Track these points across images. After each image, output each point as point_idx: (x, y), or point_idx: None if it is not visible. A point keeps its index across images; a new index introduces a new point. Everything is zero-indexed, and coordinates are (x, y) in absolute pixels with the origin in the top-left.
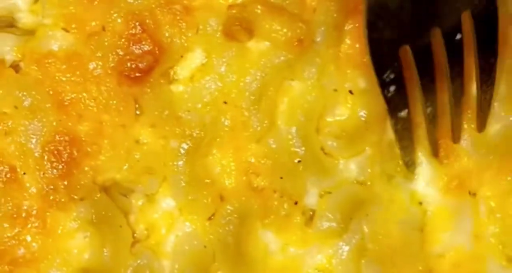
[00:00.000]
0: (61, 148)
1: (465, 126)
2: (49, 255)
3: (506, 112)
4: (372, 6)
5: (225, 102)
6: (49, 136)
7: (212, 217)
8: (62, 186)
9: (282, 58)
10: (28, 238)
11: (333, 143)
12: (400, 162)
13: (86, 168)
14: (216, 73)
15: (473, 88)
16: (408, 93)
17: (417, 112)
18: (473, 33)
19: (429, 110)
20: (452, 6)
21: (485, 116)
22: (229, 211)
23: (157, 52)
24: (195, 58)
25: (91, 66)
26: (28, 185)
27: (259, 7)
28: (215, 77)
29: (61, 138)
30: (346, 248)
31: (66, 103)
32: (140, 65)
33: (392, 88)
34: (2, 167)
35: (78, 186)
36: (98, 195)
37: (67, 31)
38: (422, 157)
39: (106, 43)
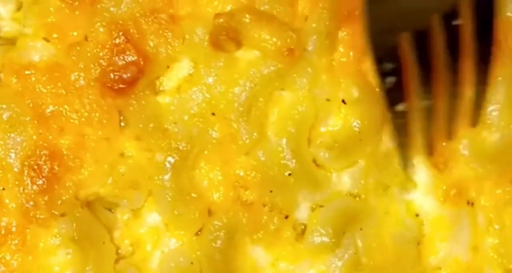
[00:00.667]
0: (41, 162)
1: (463, 132)
2: None
3: (505, 121)
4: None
5: (213, 114)
6: (29, 150)
7: (199, 233)
8: (43, 202)
9: (272, 68)
10: (8, 256)
11: (325, 154)
12: (397, 169)
13: (68, 183)
14: (204, 84)
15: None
16: (404, 84)
17: (413, 106)
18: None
19: (426, 103)
20: None
21: (479, 111)
22: (217, 226)
23: (141, 62)
24: (182, 68)
25: (73, 77)
26: (7, 201)
27: (247, 16)
28: (202, 88)
29: (42, 152)
30: (339, 263)
31: (47, 116)
32: (124, 76)
33: (391, 80)
34: None
35: (60, 202)
36: (80, 211)
37: (48, 41)
38: (419, 164)
39: (89, 54)
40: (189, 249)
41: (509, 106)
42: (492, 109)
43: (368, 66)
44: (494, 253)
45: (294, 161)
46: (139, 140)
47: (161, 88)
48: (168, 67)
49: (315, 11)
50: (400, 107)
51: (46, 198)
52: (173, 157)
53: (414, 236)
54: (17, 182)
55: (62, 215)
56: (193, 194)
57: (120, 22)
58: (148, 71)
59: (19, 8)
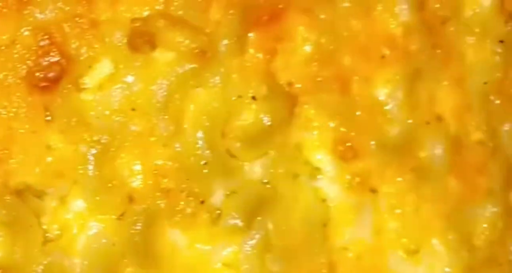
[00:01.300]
0: None
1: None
2: None
3: (404, 116)
4: None
5: (133, 109)
6: None
7: (121, 217)
8: None
9: (187, 67)
10: None
11: (238, 145)
12: (306, 159)
13: None
14: (124, 82)
15: None
16: None
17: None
18: None
19: None
20: None
21: None
22: (137, 211)
23: (65, 63)
24: (103, 68)
25: (1, 76)
26: None
27: (161, 20)
28: (123, 86)
29: None
30: (251, 243)
31: None
32: (48, 75)
33: None
34: None
35: None
36: (10, 198)
37: None
38: (326, 155)
39: (16, 55)
40: (111, 232)
41: (407, 103)
42: (393, 106)
43: (276, 66)
44: (396, 235)
45: (208, 151)
46: (63, 133)
47: (84, 86)
48: (90, 67)
49: (226, 17)
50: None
51: None
52: (96, 149)
53: (320, 218)
54: None
55: None
56: (114, 182)
57: (45, 26)
58: (71, 71)
59: None
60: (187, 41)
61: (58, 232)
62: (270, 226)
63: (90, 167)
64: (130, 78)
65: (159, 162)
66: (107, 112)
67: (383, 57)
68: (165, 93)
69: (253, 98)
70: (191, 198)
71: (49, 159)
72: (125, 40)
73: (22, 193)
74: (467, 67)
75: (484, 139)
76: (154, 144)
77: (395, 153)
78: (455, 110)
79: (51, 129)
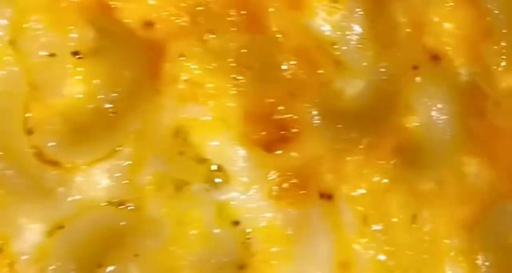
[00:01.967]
0: None
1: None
2: None
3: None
4: None
5: None
6: None
7: None
8: None
9: None
10: None
11: (54, 143)
12: (199, 154)
13: None
14: None
15: None
16: None
17: None
18: None
19: None
20: None
21: None
22: None
23: None
24: None
25: None
26: None
27: None
28: None
29: None
30: None
31: None
32: None
33: None
34: None
35: None
36: None
37: None
38: (234, 145)
39: None
40: None
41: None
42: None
43: None
44: (377, 268)
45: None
46: None
47: None
48: None
49: None
50: None
51: None
52: None
53: (233, 255)
54: None
55: None
56: None
57: None
58: None
59: None
60: None
61: None
62: None
63: None
64: None
65: None
66: None
67: None
68: None
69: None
70: None
71: None
72: None
73: None
74: None
75: None
76: None
77: (357, 125)
78: (465, 40)
79: None
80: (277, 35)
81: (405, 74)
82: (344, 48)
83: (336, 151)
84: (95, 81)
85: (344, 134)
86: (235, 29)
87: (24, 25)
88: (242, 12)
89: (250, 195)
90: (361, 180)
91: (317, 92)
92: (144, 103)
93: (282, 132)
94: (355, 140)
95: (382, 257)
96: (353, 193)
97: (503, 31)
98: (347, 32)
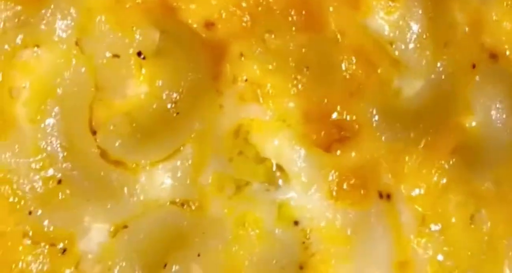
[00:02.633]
0: None
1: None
2: None
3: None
4: None
5: None
6: None
7: None
8: None
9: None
10: None
11: (119, 143)
12: (257, 155)
13: None
14: None
15: None
16: None
17: None
18: None
19: None
20: None
21: None
22: None
23: None
24: None
25: None
26: None
27: None
28: None
29: None
30: None
31: None
32: None
33: None
34: None
35: None
36: None
37: None
38: (294, 145)
39: None
40: None
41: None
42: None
43: None
44: (436, 269)
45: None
46: None
47: None
48: None
49: None
50: None
51: None
52: None
53: (294, 256)
54: None
55: None
56: None
57: None
58: None
59: None
60: None
61: None
62: None
63: None
64: None
65: None
66: None
67: None
68: None
69: (139, 54)
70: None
71: None
72: None
73: None
74: None
75: None
76: None
77: (416, 125)
78: None
79: None
80: (336, 35)
81: (463, 73)
82: (402, 47)
83: (394, 151)
84: (158, 82)
85: (402, 134)
86: (294, 29)
87: (89, 26)
88: (302, 11)
89: (309, 195)
90: (420, 180)
91: (375, 91)
92: (205, 103)
93: (341, 132)
94: (413, 140)
95: (440, 257)
96: (412, 193)
97: None
98: (405, 31)
